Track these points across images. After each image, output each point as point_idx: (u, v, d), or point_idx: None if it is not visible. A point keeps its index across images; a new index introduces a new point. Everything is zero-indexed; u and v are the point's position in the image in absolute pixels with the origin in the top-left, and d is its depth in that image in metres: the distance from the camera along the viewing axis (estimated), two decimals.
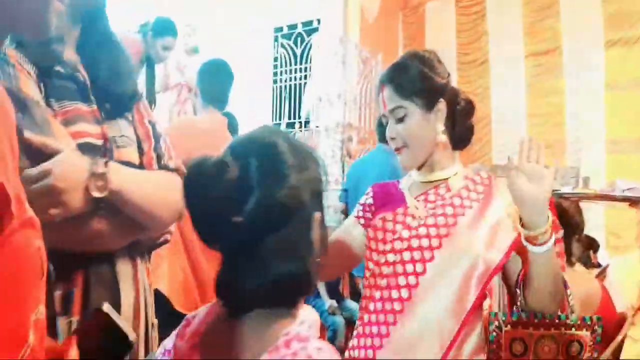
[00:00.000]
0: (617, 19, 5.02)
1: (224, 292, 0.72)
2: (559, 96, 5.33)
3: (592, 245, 3.68)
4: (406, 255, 1.11)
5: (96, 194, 0.90)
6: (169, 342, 0.79)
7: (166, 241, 1.21)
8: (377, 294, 1.13)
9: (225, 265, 0.71)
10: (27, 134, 0.86)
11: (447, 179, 1.18)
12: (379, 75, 1.22)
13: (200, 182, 0.67)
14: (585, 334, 1.01)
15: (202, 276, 2.07)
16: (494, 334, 1.06)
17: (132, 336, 0.74)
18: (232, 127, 3.19)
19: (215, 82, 2.34)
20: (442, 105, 1.16)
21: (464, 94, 1.24)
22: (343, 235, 1.27)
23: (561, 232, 1.16)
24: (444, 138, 1.17)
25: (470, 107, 1.23)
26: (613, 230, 4.63)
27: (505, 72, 5.54)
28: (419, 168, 1.21)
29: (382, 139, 2.39)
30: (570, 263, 1.99)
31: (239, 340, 0.70)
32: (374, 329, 1.12)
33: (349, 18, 5.05)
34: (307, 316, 0.72)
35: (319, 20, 4.96)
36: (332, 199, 4.67)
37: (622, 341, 1.98)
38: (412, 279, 1.09)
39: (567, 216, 1.93)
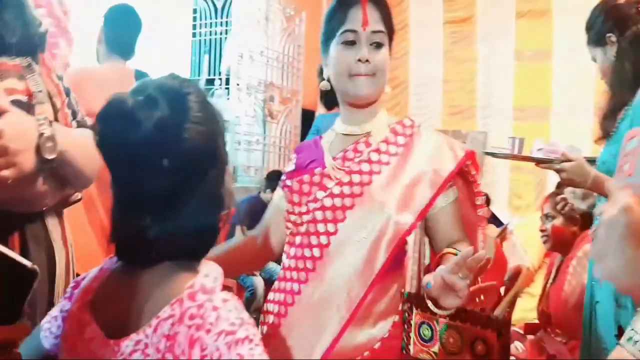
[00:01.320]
0: None
1: (127, 242, 0.68)
2: (472, 64, 5.57)
3: (487, 200, 3.94)
4: (319, 215, 1.09)
5: (48, 156, 0.90)
6: (54, 309, 0.76)
7: (80, 199, 1.19)
8: (292, 251, 1.13)
9: (130, 213, 0.67)
10: None
11: (369, 132, 1.14)
12: None
13: (121, 123, 0.63)
14: (490, 333, 0.99)
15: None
16: (406, 314, 1.07)
17: (29, 264, 0.70)
18: None
19: (121, 30, 2.18)
20: (387, 49, 1.13)
21: None
22: (275, 213, 1.23)
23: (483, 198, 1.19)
24: (389, 89, 1.15)
25: None
26: (516, 191, 5.00)
27: (424, 38, 5.67)
28: (348, 119, 1.15)
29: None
30: None
31: (138, 293, 0.67)
32: (288, 285, 1.12)
33: None
34: (211, 269, 0.71)
35: None
36: (253, 160, 4.62)
37: (516, 295, 2.18)
38: (323, 239, 1.08)
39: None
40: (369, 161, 1.11)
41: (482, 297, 1.07)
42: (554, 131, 5.20)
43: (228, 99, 4.33)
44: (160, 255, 0.67)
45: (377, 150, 1.12)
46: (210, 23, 4.69)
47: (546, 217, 2.19)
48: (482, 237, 1.17)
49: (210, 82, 4.72)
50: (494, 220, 3.94)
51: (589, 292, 1.63)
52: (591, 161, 1.90)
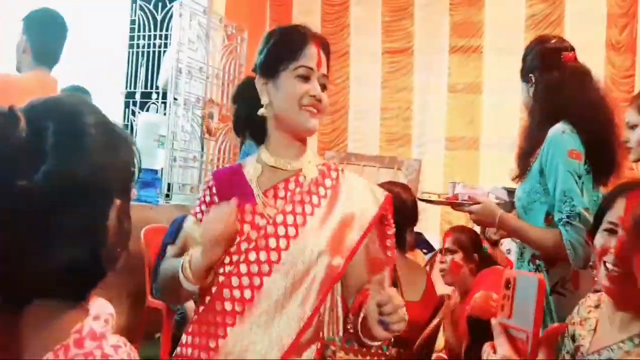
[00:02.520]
0: (461, 28, 5.58)
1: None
2: (409, 93, 5.78)
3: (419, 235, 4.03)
4: (251, 256, 1.07)
5: None
6: None
7: None
8: (216, 291, 1.08)
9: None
10: None
11: (299, 169, 1.15)
12: (303, 28, 1.17)
13: None
14: None
15: None
16: (329, 359, 1.10)
17: None
18: None
19: (47, 38, 2.05)
20: None
21: None
22: (188, 244, 1.14)
23: (393, 230, 1.22)
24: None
25: None
26: (446, 218, 5.18)
27: (364, 66, 5.83)
28: (283, 150, 1.15)
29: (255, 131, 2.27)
30: (403, 252, 2.18)
31: (15, 337, 0.58)
32: (211, 329, 1.06)
33: None
34: (101, 309, 0.63)
35: None
36: (189, 177, 4.51)
37: (438, 325, 2.23)
38: (256, 280, 1.06)
39: (405, 208, 2.11)
40: (302, 202, 1.12)
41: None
42: (482, 160, 5.47)
43: (165, 113, 4.22)
44: (38, 293, 0.59)
45: (309, 192, 1.13)
46: (149, 35, 4.58)
47: (447, 250, 2.25)
48: (388, 277, 1.20)
49: (146, 95, 4.59)
50: (426, 245, 4.05)
51: None
52: (506, 189, 2.01)
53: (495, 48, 5.43)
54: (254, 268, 1.07)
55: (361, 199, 1.16)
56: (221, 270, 1.09)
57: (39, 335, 0.59)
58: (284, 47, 1.13)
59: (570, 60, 1.65)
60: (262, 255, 1.07)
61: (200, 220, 1.13)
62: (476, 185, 4.88)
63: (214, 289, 1.09)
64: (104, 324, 0.62)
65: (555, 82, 1.63)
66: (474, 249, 2.20)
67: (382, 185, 2.38)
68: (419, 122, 5.74)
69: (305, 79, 1.12)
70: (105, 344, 0.59)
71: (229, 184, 1.17)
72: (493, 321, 0.76)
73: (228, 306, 1.06)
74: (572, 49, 1.67)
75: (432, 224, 5.12)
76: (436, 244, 4.37)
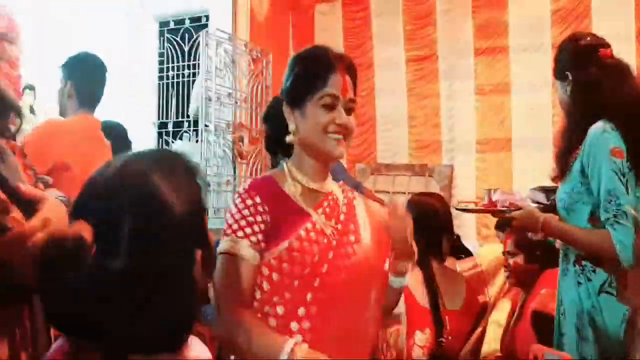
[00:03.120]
0: (485, 30, 5.54)
1: (100, 338, 0.61)
2: (435, 99, 5.75)
3: (457, 240, 3.97)
4: (324, 268, 1.08)
5: None
6: None
7: None
8: (302, 312, 1.06)
9: (91, 332, 0.60)
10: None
11: (330, 191, 1.21)
12: (331, 54, 1.17)
13: (58, 272, 0.57)
14: None
15: None
16: None
17: None
18: (121, 136, 2.97)
19: (92, 84, 2.13)
20: None
21: None
22: (253, 275, 1.08)
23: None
24: None
25: None
26: (483, 222, 5.10)
27: (388, 76, 5.84)
28: (313, 174, 1.18)
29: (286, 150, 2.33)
30: (442, 261, 2.17)
31: None
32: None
33: (238, 15, 4.99)
34: (202, 355, 0.68)
35: (207, 17, 4.83)
36: (223, 201, 4.60)
37: (483, 332, 2.19)
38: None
39: (439, 218, 2.12)
40: (347, 221, 1.18)
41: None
42: (515, 162, 5.38)
43: (197, 140, 4.33)
44: (140, 349, 0.62)
45: (347, 212, 1.21)
46: (177, 66, 4.73)
47: (508, 253, 2.24)
48: None
49: (178, 124, 4.73)
50: (465, 251, 3.99)
51: (557, 325, 1.67)
52: (543, 190, 1.98)
53: (521, 47, 5.36)
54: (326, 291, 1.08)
55: (374, 208, 1.28)
56: (298, 297, 1.07)
57: None
58: (308, 76, 1.15)
59: (608, 57, 1.63)
60: (332, 276, 1.09)
61: (258, 243, 1.08)
62: (511, 188, 4.81)
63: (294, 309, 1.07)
64: None
65: (593, 80, 1.61)
66: (536, 248, 2.16)
67: (415, 196, 2.39)
68: (448, 127, 5.70)
69: (331, 107, 1.13)
70: None
71: (273, 200, 1.13)
72: None
73: (295, 326, 1.05)
74: (609, 45, 1.65)
75: (468, 229, 5.06)
76: (472, 248, 4.31)
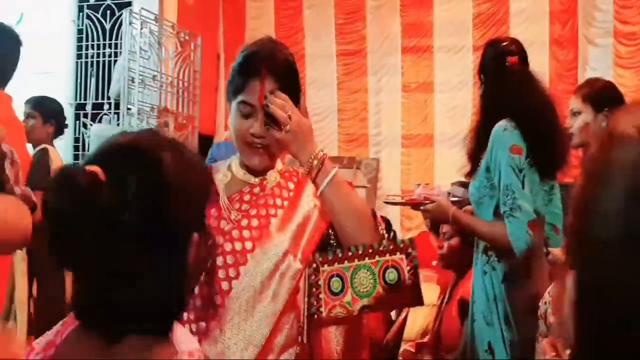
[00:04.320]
0: (412, 29, 5.71)
1: (92, 315, 0.63)
2: (363, 94, 5.87)
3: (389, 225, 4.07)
4: (219, 261, 1.08)
5: None
6: None
7: None
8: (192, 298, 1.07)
9: (90, 286, 0.63)
10: None
11: (264, 178, 1.17)
12: (254, 56, 1.11)
13: (69, 206, 0.58)
14: (399, 257, 1.03)
15: None
16: (312, 277, 1.08)
17: None
18: (54, 113, 2.78)
19: (2, 55, 1.96)
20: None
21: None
22: None
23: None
24: None
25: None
26: (407, 214, 5.29)
27: (319, 68, 5.88)
28: (242, 163, 1.17)
29: None
30: None
31: None
32: (193, 327, 1.05)
33: None
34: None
35: None
36: None
37: (405, 318, 2.28)
38: (225, 285, 1.07)
39: None
40: (266, 205, 1.13)
41: None
42: (437, 157, 5.61)
43: (118, 124, 4.14)
44: (130, 328, 0.62)
45: (272, 195, 1.15)
46: (98, 45, 4.48)
47: (444, 235, 2.31)
48: None
49: (98, 106, 4.49)
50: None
51: (470, 312, 1.78)
52: (463, 185, 2.09)
53: (444, 47, 5.58)
54: (222, 273, 1.08)
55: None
56: None
57: None
58: (233, 77, 1.12)
59: (514, 63, 1.75)
60: (230, 259, 1.08)
61: None
62: (432, 181, 5.02)
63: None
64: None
65: (499, 83, 1.75)
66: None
67: None
68: (375, 122, 5.84)
69: (247, 116, 1.09)
70: None
71: None
72: None
73: (201, 313, 1.06)
74: (517, 53, 1.77)
75: (392, 221, 5.22)
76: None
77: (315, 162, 1.09)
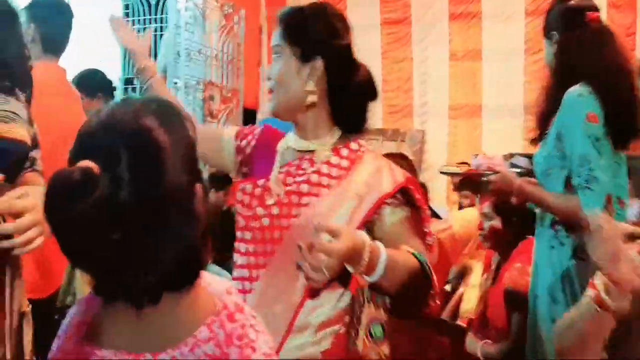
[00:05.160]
0: None
1: (116, 290, 0.64)
2: (408, 64, 5.72)
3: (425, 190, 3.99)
4: (258, 235, 1.09)
5: None
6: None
7: None
8: (239, 259, 1.11)
9: (108, 270, 0.62)
10: None
11: (314, 150, 1.12)
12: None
13: (67, 204, 0.57)
14: (445, 341, 1.09)
15: None
16: (356, 308, 1.05)
17: None
18: (99, 86, 2.81)
19: (56, 27, 1.97)
20: (318, 64, 1.10)
21: (366, 73, 1.16)
22: (215, 134, 1.30)
23: (428, 214, 1.17)
24: (314, 98, 1.10)
25: (363, 89, 1.15)
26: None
27: (363, 38, 5.74)
28: (296, 130, 1.15)
29: None
30: None
31: (151, 317, 0.64)
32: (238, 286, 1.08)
33: None
34: (226, 283, 0.71)
35: None
36: None
37: (461, 294, 2.23)
38: (261, 260, 1.08)
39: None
40: (309, 182, 1.10)
41: None
42: (485, 127, 5.45)
43: None
44: (159, 292, 0.63)
45: (318, 172, 1.10)
46: (144, 20, 4.51)
47: (484, 216, 2.26)
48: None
49: None
50: (434, 215, 4.06)
51: (531, 287, 1.71)
52: (527, 156, 2.00)
53: (494, 13, 5.35)
54: (259, 248, 1.09)
55: (376, 179, 1.11)
56: (240, 235, 1.13)
57: (178, 316, 0.65)
58: None
59: (594, 20, 1.61)
60: (267, 234, 1.08)
61: (238, 140, 1.26)
62: (481, 153, 4.88)
63: (238, 250, 1.14)
64: (236, 294, 0.70)
65: (577, 41, 1.60)
66: (514, 213, 2.17)
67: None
68: (421, 92, 5.69)
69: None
70: (247, 314, 0.67)
71: (267, 145, 1.21)
72: None
73: (238, 285, 1.07)
74: (596, 9, 1.63)
75: (438, 193, 5.13)
76: (443, 213, 4.38)
77: (366, 260, 0.97)
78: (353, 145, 1.15)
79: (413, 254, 1.05)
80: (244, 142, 1.26)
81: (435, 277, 1.08)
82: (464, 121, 5.52)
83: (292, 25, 1.12)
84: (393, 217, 1.10)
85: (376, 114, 5.86)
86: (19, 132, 1.00)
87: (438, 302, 1.16)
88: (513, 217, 2.10)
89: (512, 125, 5.00)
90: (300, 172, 1.11)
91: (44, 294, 1.78)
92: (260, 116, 4.70)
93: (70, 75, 2.83)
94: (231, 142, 1.27)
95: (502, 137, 4.95)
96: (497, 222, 2.11)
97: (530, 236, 2.10)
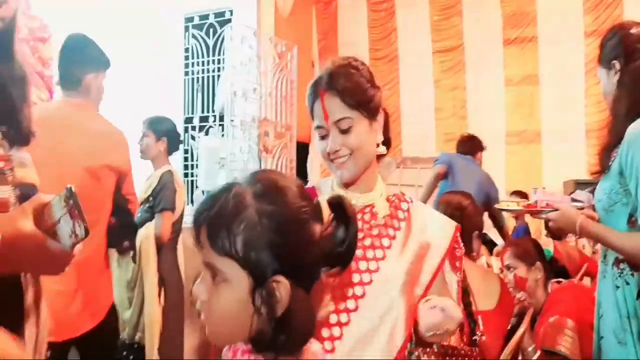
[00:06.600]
0: (514, 19, 5.41)
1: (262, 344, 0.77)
2: (462, 91, 5.66)
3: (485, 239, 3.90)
4: (337, 292, 1.05)
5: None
6: None
7: None
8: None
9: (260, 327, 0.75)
10: None
11: (371, 203, 1.13)
12: (315, 82, 1.12)
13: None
14: None
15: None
16: None
17: None
18: (166, 130, 2.96)
19: (68, 62, 2.01)
20: (381, 117, 1.12)
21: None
22: None
23: (462, 252, 1.18)
24: (383, 149, 1.14)
25: (387, 118, 1.20)
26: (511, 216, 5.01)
27: (414, 68, 5.77)
28: (347, 187, 1.14)
29: None
30: (472, 258, 2.12)
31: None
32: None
33: (262, 10, 4.97)
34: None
35: (231, 12, 4.83)
36: None
37: (524, 334, 2.14)
38: (343, 317, 1.04)
39: (468, 216, 2.07)
40: (379, 236, 1.10)
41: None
42: (545, 153, 5.26)
43: (222, 135, 4.35)
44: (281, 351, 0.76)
45: (385, 225, 1.12)
46: (202, 62, 4.75)
47: (507, 268, 2.17)
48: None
49: (204, 119, 4.76)
50: (493, 245, 3.93)
51: (596, 328, 1.63)
52: (590, 184, 1.91)
53: (550, 36, 5.23)
54: (341, 305, 1.05)
55: (434, 229, 1.14)
56: None
57: None
58: (308, 105, 1.15)
59: None
60: (348, 291, 1.05)
61: None
62: (541, 180, 4.70)
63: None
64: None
65: None
66: (535, 258, 2.10)
67: (444, 195, 2.35)
68: (475, 119, 5.60)
69: (323, 137, 1.11)
70: None
71: None
72: None
73: (326, 332, 1.04)
74: None
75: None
76: (501, 242, 4.23)
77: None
78: (401, 195, 1.19)
79: None
80: None
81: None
82: (522, 147, 5.37)
83: (351, 89, 1.09)
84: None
85: (430, 143, 5.82)
86: (32, 176, 1.00)
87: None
88: (536, 262, 2.02)
89: (573, 150, 4.81)
90: (366, 226, 1.11)
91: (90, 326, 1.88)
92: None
93: (143, 116, 3.03)
94: None
95: (563, 163, 4.77)
96: (520, 270, 2.04)
97: (557, 282, 2.02)
